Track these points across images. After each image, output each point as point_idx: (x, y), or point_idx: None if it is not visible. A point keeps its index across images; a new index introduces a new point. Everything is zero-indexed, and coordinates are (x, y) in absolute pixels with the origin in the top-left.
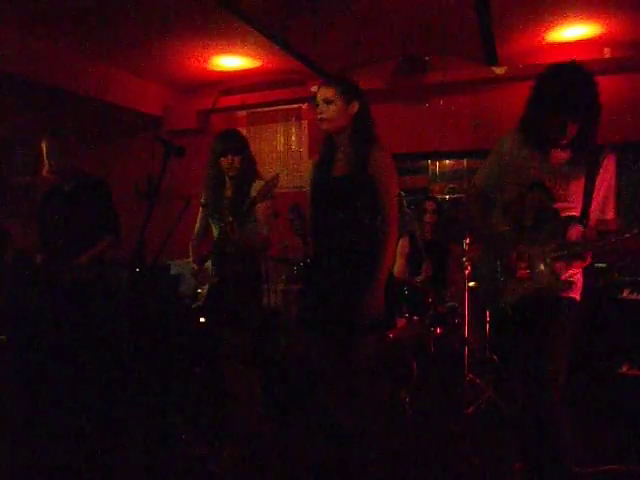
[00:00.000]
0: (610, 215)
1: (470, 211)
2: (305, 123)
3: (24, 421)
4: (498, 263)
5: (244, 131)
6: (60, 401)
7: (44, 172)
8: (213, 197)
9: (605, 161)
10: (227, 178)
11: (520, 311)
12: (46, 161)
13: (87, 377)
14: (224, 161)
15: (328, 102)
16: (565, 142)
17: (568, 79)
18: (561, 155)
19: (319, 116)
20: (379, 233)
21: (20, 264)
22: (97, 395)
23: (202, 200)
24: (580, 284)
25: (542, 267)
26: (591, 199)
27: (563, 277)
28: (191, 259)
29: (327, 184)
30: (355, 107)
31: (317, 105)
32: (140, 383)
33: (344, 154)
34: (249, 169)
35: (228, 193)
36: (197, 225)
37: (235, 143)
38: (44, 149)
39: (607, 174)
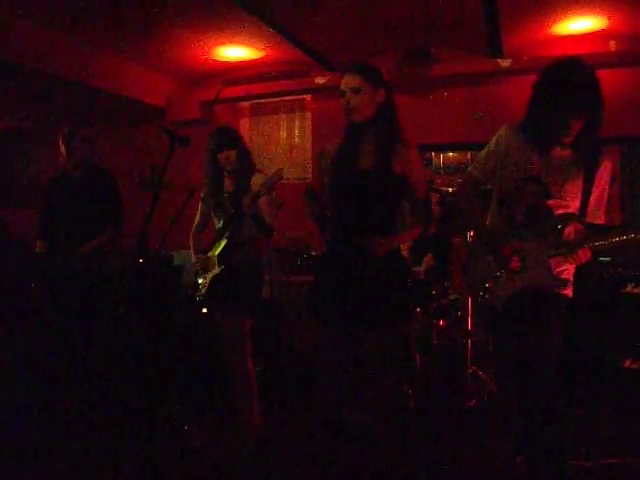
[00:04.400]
0: (600, 220)
1: (461, 202)
2: (309, 114)
3: (26, 412)
4: (490, 257)
5: (247, 122)
6: (60, 391)
7: (60, 157)
8: (213, 192)
9: (603, 164)
10: (226, 173)
11: (512, 308)
12: (63, 149)
13: (88, 367)
14: (221, 157)
15: (356, 91)
16: (568, 140)
17: (573, 76)
18: (561, 154)
19: (347, 106)
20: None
21: (23, 254)
22: (97, 385)
23: (202, 195)
24: (571, 279)
25: (536, 264)
26: (589, 198)
27: (555, 272)
28: (192, 251)
29: (352, 177)
30: (382, 95)
31: (342, 94)
32: (142, 374)
33: (370, 145)
34: (246, 163)
35: (228, 187)
36: (197, 218)
37: (229, 138)
38: (64, 137)
39: (602, 178)
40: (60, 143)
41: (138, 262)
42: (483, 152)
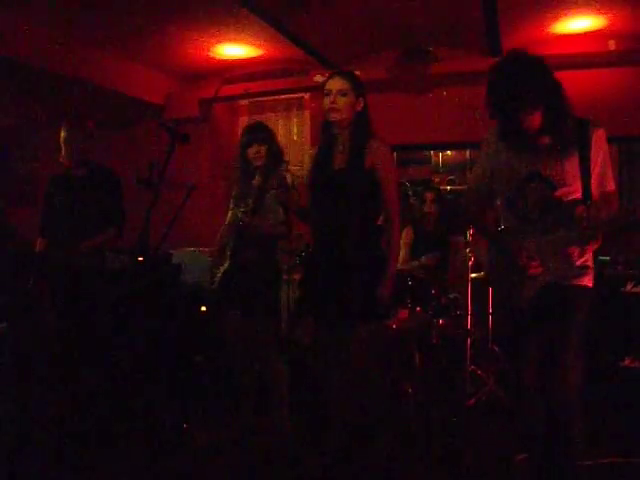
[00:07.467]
0: (611, 187)
1: (471, 214)
2: (307, 113)
3: (24, 409)
4: (510, 263)
5: (246, 120)
6: (59, 388)
7: (60, 158)
8: (242, 188)
9: (594, 135)
10: (255, 169)
11: (538, 304)
12: (64, 147)
13: (87, 364)
14: (250, 151)
15: (343, 94)
16: (533, 131)
17: (505, 73)
18: (546, 140)
19: (331, 105)
20: (384, 222)
21: (22, 252)
22: (96, 383)
23: (233, 192)
24: (592, 270)
25: (555, 258)
26: (589, 177)
27: (578, 263)
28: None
29: (327, 177)
30: (361, 104)
31: (327, 94)
32: (141, 371)
33: (344, 147)
34: (275, 159)
35: (256, 183)
36: (228, 216)
37: (260, 133)
38: (63, 135)
39: (599, 148)
40: (60, 141)
41: (137, 260)
42: (478, 161)
